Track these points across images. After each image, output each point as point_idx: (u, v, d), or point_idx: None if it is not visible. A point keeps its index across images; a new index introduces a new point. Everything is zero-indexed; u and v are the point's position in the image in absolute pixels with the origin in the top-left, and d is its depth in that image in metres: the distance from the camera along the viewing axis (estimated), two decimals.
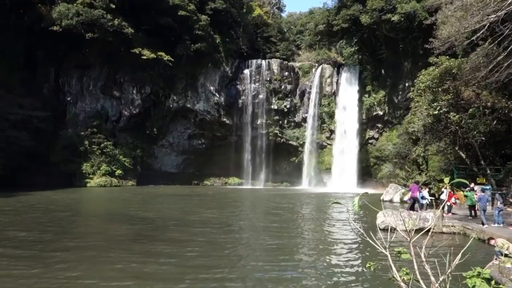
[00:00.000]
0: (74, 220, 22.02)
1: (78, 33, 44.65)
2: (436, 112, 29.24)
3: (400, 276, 3.38)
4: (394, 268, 3.39)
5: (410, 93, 39.98)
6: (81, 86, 51.18)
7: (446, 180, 3.63)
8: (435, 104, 29.30)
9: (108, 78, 51.54)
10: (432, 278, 3.22)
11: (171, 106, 53.86)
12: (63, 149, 46.61)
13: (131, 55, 47.21)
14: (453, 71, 28.04)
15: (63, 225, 19.67)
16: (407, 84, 50.89)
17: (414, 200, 22.31)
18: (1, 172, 40.37)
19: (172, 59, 48.47)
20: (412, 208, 22.09)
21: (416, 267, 3.35)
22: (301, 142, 56.04)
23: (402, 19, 47.26)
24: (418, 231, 3.77)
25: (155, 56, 47.19)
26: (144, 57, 46.77)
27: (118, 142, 50.58)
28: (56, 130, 48.18)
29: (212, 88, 54.85)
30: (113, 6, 46.04)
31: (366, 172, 53.62)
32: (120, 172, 49.03)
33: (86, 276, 10.87)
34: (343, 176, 51.74)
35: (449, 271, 3.21)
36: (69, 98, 50.77)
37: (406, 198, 27.62)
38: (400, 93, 52.20)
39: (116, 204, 31.12)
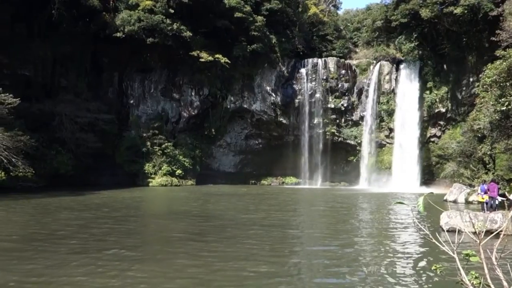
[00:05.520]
0: (141, 217, 22.98)
1: (140, 38, 46.60)
2: (504, 108, 27.71)
3: (469, 280, 3.30)
4: (463, 272, 3.31)
5: (475, 89, 38.36)
6: (143, 89, 53.31)
7: None
8: (502, 99, 27.77)
9: (168, 81, 53.34)
10: (505, 283, 3.12)
11: (228, 106, 54.71)
12: (126, 150, 48.76)
13: (190, 58, 48.60)
14: None
15: (131, 222, 20.60)
16: (471, 79, 48.69)
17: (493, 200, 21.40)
18: (72, 172, 43.00)
19: (229, 61, 49.28)
20: (492, 208, 21.11)
21: (486, 271, 3.25)
22: (359, 141, 55.01)
23: (466, 11, 45.21)
24: (486, 233, 3.66)
25: (212, 59, 48.19)
26: (202, 60, 47.92)
27: (178, 143, 52.10)
28: (120, 132, 50.46)
29: (268, 88, 55.12)
30: (172, 11, 47.60)
31: (428, 172, 51.77)
32: (180, 172, 50.46)
33: (152, 271, 11.35)
34: (403, 176, 50.13)
35: None
36: (132, 101, 53.04)
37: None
38: (464, 88, 49.96)
39: (178, 202, 32.08)
